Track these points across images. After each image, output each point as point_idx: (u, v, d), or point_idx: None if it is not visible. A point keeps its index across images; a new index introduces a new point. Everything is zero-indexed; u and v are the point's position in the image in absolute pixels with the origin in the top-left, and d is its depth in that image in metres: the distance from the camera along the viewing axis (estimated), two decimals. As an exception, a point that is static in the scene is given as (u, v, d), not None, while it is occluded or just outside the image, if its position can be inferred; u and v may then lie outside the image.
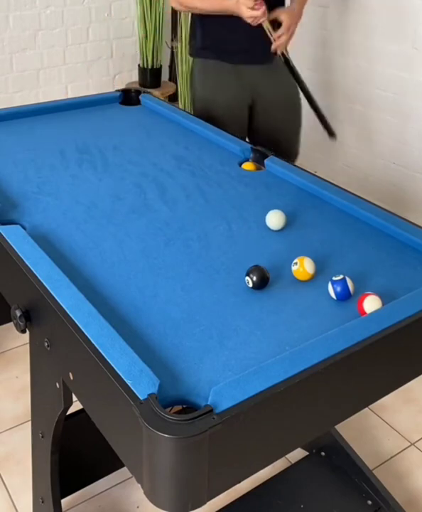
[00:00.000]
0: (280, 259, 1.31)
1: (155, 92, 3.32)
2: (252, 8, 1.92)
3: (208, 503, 0.92)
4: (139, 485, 0.92)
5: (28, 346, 1.34)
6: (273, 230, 1.41)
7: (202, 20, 2.14)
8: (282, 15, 2.07)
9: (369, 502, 1.68)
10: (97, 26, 3.58)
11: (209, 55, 2.16)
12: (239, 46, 2.12)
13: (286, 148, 2.23)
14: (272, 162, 1.69)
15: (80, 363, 1.06)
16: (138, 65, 3.69)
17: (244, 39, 2.08)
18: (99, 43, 3.64)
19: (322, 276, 1.23)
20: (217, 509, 1.59)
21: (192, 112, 2.24)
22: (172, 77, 3.85)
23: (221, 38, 2.12)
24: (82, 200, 1.51)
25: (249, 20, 1.95)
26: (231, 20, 2.01)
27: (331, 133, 2.14)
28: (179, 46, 3.48)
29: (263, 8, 1.94)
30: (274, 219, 1.41)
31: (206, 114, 2.13)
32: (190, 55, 2.29)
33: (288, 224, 1.42)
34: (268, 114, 2.24)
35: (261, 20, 1.96)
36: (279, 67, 2.14)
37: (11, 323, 1.26)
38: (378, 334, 1.04)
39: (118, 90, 2.19)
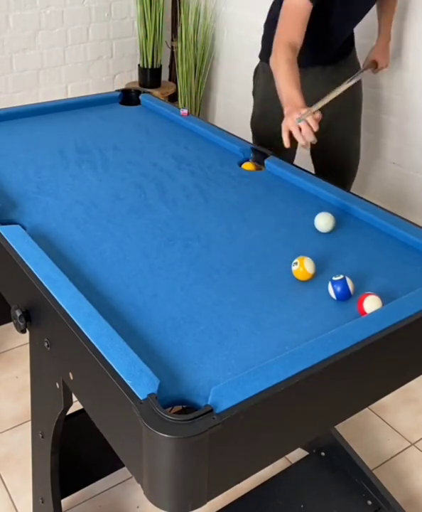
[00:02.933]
0: (280, 258, 1.31)
1: (155, 92, 3.32)
2: (296, 126, 1.56)
3: (208, 503, 0.92)
4: (139, 485, 0.92)
5: (28, 346, 1.34)
6: (321, 232, 1.41)
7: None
8: (377, 57, 2.17)
9: (369, 502, 1.68)
10: (97, 26, 3.58)
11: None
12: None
13: (344, 161, 2.26)
14: (272, 162, 1.69)
15: (80, 363, 1.06)
16: (138, 65, 3.69)
17: (320, 60, 2.08)
18: (99, 43, 3.64)
19: (322, 277, 1.23)
20: (217, 509, 1.59)
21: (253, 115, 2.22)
22: (172, 77, 3.85)
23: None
24: (82, 200, 1.51)
25: (287, 127, 1.60)
26: (318, 46, 1.98)
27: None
28: (179, 46, 3.48)
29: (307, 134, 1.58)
30: (323, 221, 1.40)
31: (265, 114, 2.12)
32: (260, 57, 2.18)
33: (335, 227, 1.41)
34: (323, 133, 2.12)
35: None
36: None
37: (11, 323, 1.26)
38: (378, 334, 1.04)
39: (118, 90, 2.19)
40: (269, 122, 2.01)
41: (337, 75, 2.09)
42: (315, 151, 2.23)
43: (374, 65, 2.18)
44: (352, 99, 2.22)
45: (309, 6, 1.77)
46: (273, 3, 2.07)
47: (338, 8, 1.91)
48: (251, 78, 2.24)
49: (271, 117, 1.99)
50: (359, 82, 2.20)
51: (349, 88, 2.02)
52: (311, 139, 1.52)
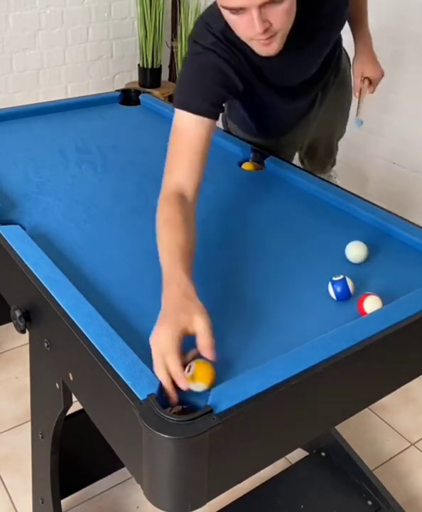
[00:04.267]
0: (280, 258, 1.31)
1: (155, 92, 3.32)
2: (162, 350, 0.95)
3: (208, 503, 0.92)
4: (139, 485, 0.92)
5: (28, 346, 1.33)
6: (353, 263, 1.30)
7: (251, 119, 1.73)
8: (366, 70, 1.75)
9: (369, 502, 1.68)
10: (97, 26, 3.58)
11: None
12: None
13: (323, 157, 2.09)
14: (272, 162, 1.69)
15: (80, 363, 1.06)
16: (138, 65, 3.69)
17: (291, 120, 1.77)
18: (99, 43, 3.64)
19: (322, 277, 1.23)
20: (217, 509, 1.59)
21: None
22: (172, 77, 3.85)
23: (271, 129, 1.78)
24: (82, 200, 1.51)
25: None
26: (274, 115, 1.69)
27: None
28: (179, 46, 3.48)
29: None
30: (356, 251, 1.30)
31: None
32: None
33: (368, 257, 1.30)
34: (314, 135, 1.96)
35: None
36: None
37: (11, 323, 1.26)
38: (378, 334, 1.04)
39: (118, 90, 2.19)
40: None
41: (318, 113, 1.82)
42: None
43: (369, 83, 1.78)
44: (342, 101, 1.96)
45: (201, 130, 1.28)
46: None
47: (272, 83, 1.47)
48: None
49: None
50: (348, 81, 1.91)
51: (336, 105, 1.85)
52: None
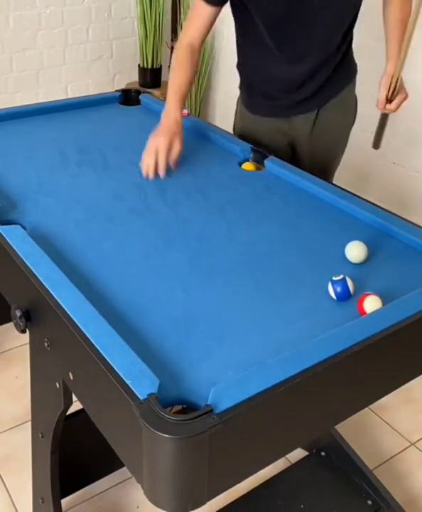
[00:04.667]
0: (280, 258, 1.31)
1: (155, 92, 3.32)
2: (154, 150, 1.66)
3: (208, 503, 0.92)
4: (139, 485, 0.92)
5: (28, 346, 1.34)
6: (353, 262, 1.30)
7: (243, 71, 1.93)
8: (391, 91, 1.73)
9: (369, 502, 1.68)
10: (97, 26, 3.58)
11: (254, 110, 1.96)
12: (285, 104, 1.88)
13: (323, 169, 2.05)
14: (272, 162, 1.69)
15: (80, 363, 1.06)
16: (138, 65, 3.69)
17: (290, 97, 1.85)
18: (99, 43, 3.64)
19: (322, 277, 1.23)
20: (217, 509, 1.59)
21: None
22: (173, 77, 3.84)
23: (265, 98, 1.91)
24: (82, 200, 1.51)
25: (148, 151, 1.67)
26: (274, 80, 1.83)
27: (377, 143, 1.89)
28: (179, 46, 3.48)
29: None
30: (356, 251, 1.30)
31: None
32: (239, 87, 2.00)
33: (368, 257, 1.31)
34: (311, 153, 2.01)
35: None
36: (328, 109, 1.88)
37: (11, 323, 1.26)
38: (378, 334, 1.04)
39: (118, 90, 2.19)
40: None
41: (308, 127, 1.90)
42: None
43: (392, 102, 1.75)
44: (341, 113, 1.96)
45: (208, 8, 1.74)
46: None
47: (257, 42, 1.74)
48: None
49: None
50: (351, 99, 1.96)
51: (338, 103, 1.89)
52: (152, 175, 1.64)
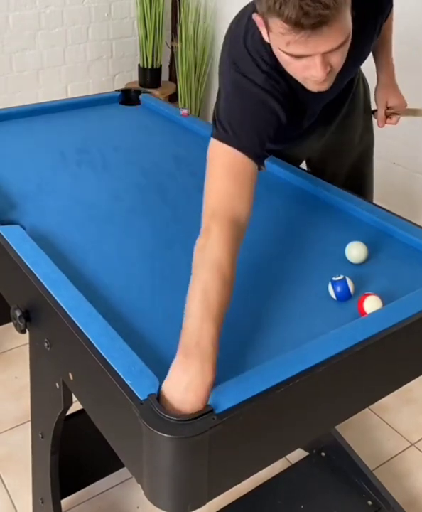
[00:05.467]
0: (280, 258, 1.31)
1: (155, 92, 3.32)
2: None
3: (208, 503, 0.92)
4: (139, 485, 0.92)
5: (28, 346, 1.34)
6: (353, 263, 1.30)
7: None
8: (390, 98, 1.71)
9: (369, 502, 1.68)
10: (97, 26, 3.58)
11: None
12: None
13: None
14: (272, 162, 1.69)
15: (80, 363, 1.06)
16: (138, 65, 3.69)
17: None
18: (99, 43, 3.64)
19: (322, 277, 1.23)
20: (217, 509, 1.59)
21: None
22: (172, 77, 3.85)
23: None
24: (82, 200, 1.51)
25: None
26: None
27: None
28: (179, 46, 3.48)
29: None
30: (356, 251, 1.29)
31: None
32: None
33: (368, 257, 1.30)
34: (324, 164, 1.85)
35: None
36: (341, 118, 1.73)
37: (11, 323, 1.26)
38: (378, 334, 1.04)
39: (118, 90, 2.19)
40: None
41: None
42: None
43: (390, 110, 1.73)
44: (352, 136, 1.86)
45: (253, 166, 1.21)
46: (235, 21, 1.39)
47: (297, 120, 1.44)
48: None
49: None
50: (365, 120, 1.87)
51: (350, 127, 1.77)
52: None
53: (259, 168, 1.23)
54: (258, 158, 1.22)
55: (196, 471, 0.88)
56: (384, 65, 1.73)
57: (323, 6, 1.01)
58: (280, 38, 1.08)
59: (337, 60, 1.14)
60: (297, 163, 1.77)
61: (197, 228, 1.41)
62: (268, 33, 1.12)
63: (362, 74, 1.79)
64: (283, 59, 1.15)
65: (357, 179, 1.92)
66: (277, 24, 1.06)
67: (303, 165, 1.98)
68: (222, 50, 1.34)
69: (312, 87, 1.22)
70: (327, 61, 1.12)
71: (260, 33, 1.17)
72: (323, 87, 1.22)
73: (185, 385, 0.89)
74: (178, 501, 0.91)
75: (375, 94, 1.75)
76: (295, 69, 1.16)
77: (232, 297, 1.02)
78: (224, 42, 1.36)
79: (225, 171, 1.20)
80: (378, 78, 1.75)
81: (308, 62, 1.11)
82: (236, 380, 0.93)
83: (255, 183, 1.20)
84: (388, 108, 1.74)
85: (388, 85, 1.73)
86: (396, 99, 1.73)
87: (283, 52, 1.11)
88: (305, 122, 1.50)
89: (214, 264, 1.05)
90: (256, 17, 1.13)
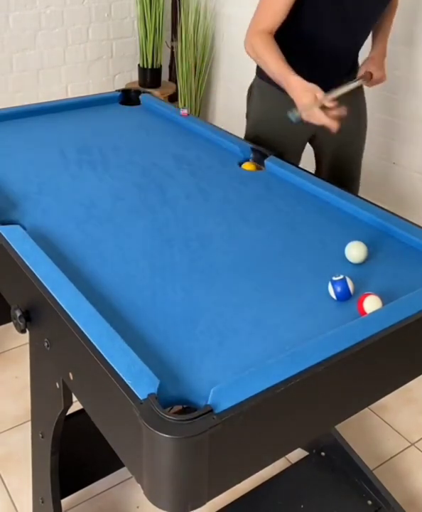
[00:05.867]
0: (280, 258, 1.31)
1: (155, 92, 3.32)
2: (311, 111, 1.61)
3: (208, 503, 0.92)
4: (139, 485, 0.92)
5: (28, 346, 1.34)
6: (353, 262, 1.30)
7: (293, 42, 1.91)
8: (371, 68, 1.93)
9: (369, 502, 1.68)
10: (97, 26, 3.58)
11: (272, 82, 1.90)
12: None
13: (348, 180, 2.14)
14: (272, 162, 1.69)
15: (80, 363, 1.06)
16: (138, 65, 3.69)
17: (318, 78, 1.79)
18: (99, 43, 3.64)
19: (322, 277, 1.23)
20: (217, 509, 1.59)
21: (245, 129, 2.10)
22: (172, 77, 3.85)
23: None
24: (82, 200, 1.51)
25: (302, 114, 1.64)
26: (312, 60, 1.88)
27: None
28: (179, 46, 3.48)
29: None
30: (355, 251, 1.30)
31: (257, 136, 1.98)
32: (256, 73, 2.05)
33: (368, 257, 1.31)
34: (330, 148, 2.10)
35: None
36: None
37: (11, 323, 1.26)
38: (378, 334, 1.04)
39: (118, 90, 2.19)
40: (266, 143, 1.91)
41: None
42: (323, 169, 2.15)
43: (369, 76, 1.94)
44: (359, 122, 2.11)
45: None
46: None
47: (331, 10, 1.79)
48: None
49: (265, 138, 1.93)
50: (364, 108, 2.12)
51: (356, 112, 2.00)
52: (344, 112, 1.61)
53: None
54: None
55: (196, 471, 0.88)
56: (379, 46, 2.01)
57: None
58: None
59: None
60: (304, 140, 2.06)
61: (196, 229, 1.41)
62: None
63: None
64: None
65: (346, 167, 2.14)
66: None
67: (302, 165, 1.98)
68: None
69: None
70: None
71: None
72: None
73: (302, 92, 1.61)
74: (178, 501, 0.91)
75: (361, 64, 2.00)
76: None
77: None
78: None
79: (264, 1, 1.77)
80: (370, 53, 2.01)
81: None
82: (236, 380, 0.93)
83: (286, 3, 1.74)
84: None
85: (376, 60, 1.98)
86: (377, 71, 1.96)
87: None
88: (336, 27, 1.85)
89: (262, 43, 1.74)
90: None
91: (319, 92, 1.60)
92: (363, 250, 1.29)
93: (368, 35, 1.96)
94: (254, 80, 2.07)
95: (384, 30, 2.03)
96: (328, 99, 1.60)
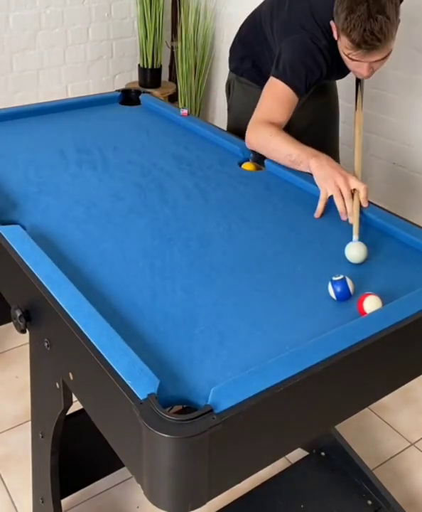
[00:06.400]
0: (280, 258, 1.31)
1: (155, 92, 3.32)
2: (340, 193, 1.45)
3: (208, 503, 0.92)
4: (139, 485, 0.92)
5: (28, 346, 1.34)
6: (353, 262, 1.30)
7: (251, 50, 2.01)
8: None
9: (369, 502, 1.68)
10: (97, 26, 3.58)
11: (255, 79, 1.99)
12: None
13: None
14: (272, 162, 1.69)
15: (80, 363, 1.06)
16: (138, 65, 3.69)
17: None
18: (99, 43, 3.64)
19: (322, 277, 1.23)
20: (217, 509, 1.59)
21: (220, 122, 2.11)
22: (172, 77, 3.85)
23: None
24: (82, 200, 1.51)
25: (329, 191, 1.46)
26: None
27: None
28: (179, 46, 3.48)
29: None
30: (355, 251, 1.30)
31: (239, 129, 1.95)
32: (232, 70, 2.13)
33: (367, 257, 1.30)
34: (304, 132, 2.02)
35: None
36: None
37: (11, 323, 1.26)
38: (378, 334, 1.04)
39: (118, 90, 2.19)
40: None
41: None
42: None
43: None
44: (327, 99, 2.14)
45: (296, 98, 1.71)
46: (245, 23, 2.03)
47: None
48: None
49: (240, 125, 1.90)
50: (332, 85, 2.13)
51: (322, 90, 2.04)
52: (344, 218, 1.43)
53: (299, 100, 1.74)
54: (300, 92, 1.71)
55: (196, 471, 0.88)
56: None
57: (378, 40, 1.52)
58: (344, 46, 1.60)
59: (379, 66, 1.65)
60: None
61: (196, 229, 1.41)
62: (338, 36, 1.61)
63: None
64: (343, 53, 1.63)
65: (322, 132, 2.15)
66: (344, 40, 1.57)
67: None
68: (284, 20, 1.80)
69: (358, 76, 1.76)
70: (372, 66, 1.63)
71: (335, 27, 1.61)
72: (365, 77, 1.72)
73: (328, 165, 1.50)
74: (178, 501, 0.91)
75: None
76: (349, 63, 1.66)
77: None
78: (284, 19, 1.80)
79: (273, 96, 1.73)
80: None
81: (359, 64, 1.62)
82: (236, 380, 0.93)
83: (293, 107, 1.72)
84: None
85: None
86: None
87: (344, 53, 1.62)
88: (334, 78, 1.99)
89: (272, 130, 1.66)
90: (332, 23, 1.61)
91: (346, 182, 1.44)
92: (363, 250, 1.29)
93: None
94: (230, 75, 2.14)
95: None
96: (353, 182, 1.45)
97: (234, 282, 1.23)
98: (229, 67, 2.13)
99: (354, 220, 1.39)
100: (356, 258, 1.29)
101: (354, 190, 1.45)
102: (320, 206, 1.46)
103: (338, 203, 1.43)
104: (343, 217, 1.44)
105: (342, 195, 1.44)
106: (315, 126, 2.09)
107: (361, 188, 1.44)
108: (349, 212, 1.42)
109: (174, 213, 1.47)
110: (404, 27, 2.61)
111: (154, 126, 1.99)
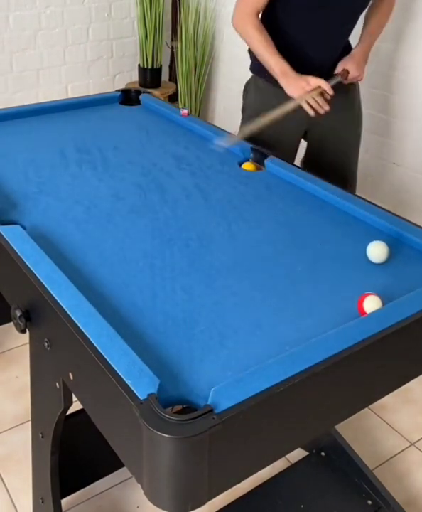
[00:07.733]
0: (280, 258, 1.31)
1: (155, 92, 3.32)
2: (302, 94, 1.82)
3: (208, 503, 0.92)
4: (139, 485, 0.92)
5: (28, 346, 1.34)
6: (375, 263, 1.30)
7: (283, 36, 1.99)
8: (348, 65, 1.96)
9: (369, 502, 1.68)
10: (97, 26, 3.58)
11: (268, 78, 1.98)
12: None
13: (342, 175, 2.15)
14: (272, 162, 1.69)
15: (80, 363, 1.06)
16: (138, 65, 3.69)
17: (308, 70, 1.90)
18: (99, 43, 3.64)
19: (322, 277, 1.23)
20: (217, 509, 1.59)
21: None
22: (172, 77, 3.85)
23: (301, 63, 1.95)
24: (82, 200, 1.51)
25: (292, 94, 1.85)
26: (301, 50, 1.94)
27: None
28: (179, 46, 3.48)
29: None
30: (378, 251, 1.30)
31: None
32: (250, 70, 2.12)
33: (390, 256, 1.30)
34: (323, 143, 2.15)
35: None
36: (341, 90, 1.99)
37: (11, 323, 1.26)
38: (378, 334, 1.04)
39: (118, 90, 2.19)
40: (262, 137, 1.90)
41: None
42: (310, 164, 2.18)
43: (346, 74, 1.96)
44: (352, 114, 2.14)
45: None
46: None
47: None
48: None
49: (260, 132, 1.88)
50: (358, 100, 2.15)
51: (348, 104, 2.08)
52: (327, 108, 1.81)
53: None
54: None
55: (196, 471, 0.88)
56: (364, 45, 2.03)
57: None
58: None
59: None
60: (298, 138, 2.15)
61: (196, 228, 1.41)
62: None
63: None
64: None
65: (339, 160, 2.18)
66: None
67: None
68: None
69: None
70: None
71: None
72: None
73: (293, 78, 1.83)
74: (178, 501, 0.91)
75: (342, 60, 2.01)
76: None
77: None
78: None
79: None
80: (353, 51, 2.03)
81: None
82: (236, 380, 0.93)
83: None
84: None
85: (354, 57, 2.00)
86: (355, 69, 1.98)
87: None
88: (319, 14, 1.93)
89: (256, 28, 1.88)
90: None
91: (308, 83, 1.80)
92: (385, 251, 1.29)
93: (348, 35, 2.03)
94: (251, 77, 2.12)
95: (370, 31, 2.04)
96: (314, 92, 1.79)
97: (234, 282, 1.23)
98: (249, 67, 2.13)
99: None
100: (378, 258, 1.29)
101: (319, 87, 1.80)
102: (308, 109, 1.81)
103: (306, 106, 1.81)
104: (320, 111, 1.81)
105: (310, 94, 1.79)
106: (336, 138, 2.12)
107: (321, 82, 1.80)
108: (317, 106, 1.80)
109: (174, 213, 1.47)
110: (404, 24, 2.61)
111: (154, 126, 1.99)
